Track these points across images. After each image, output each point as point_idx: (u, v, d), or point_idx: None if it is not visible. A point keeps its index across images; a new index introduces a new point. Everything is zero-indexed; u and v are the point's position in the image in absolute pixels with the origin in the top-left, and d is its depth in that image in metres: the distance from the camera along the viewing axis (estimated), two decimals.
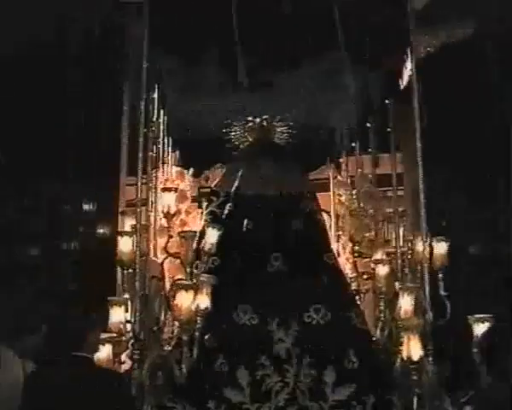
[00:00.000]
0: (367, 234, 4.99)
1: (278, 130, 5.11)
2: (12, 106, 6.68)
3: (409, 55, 4.55)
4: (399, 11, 4.46)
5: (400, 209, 4.92)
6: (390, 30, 4.51)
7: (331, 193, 5.43)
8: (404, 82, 4.85)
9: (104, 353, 4.12)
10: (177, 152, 5.37)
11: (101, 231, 7.87)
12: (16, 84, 6.55)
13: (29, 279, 7.43)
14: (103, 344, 4.03)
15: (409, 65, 4.63)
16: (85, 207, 8.14)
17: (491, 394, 3.99)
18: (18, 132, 7.01)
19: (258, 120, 5.05)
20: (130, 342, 3.94)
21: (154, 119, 4.83)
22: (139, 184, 4.17)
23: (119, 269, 4.31)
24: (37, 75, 6.52)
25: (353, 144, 5.41)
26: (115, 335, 4.20)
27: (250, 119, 5.05)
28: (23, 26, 5.87)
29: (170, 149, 5.29)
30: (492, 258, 7.92)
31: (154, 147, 4.76)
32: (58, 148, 7.20)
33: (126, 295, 4.12)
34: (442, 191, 7.21)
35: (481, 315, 4.00)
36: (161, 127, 5.06)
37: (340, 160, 5.56)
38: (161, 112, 5.03)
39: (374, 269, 4.64)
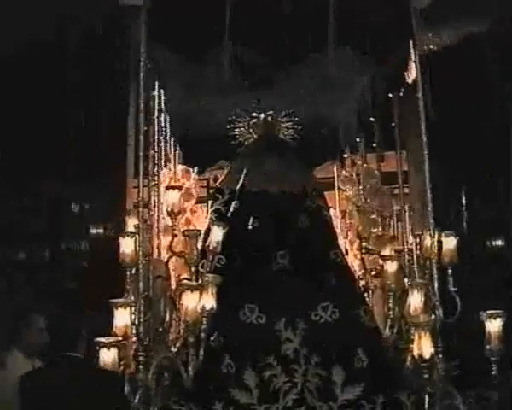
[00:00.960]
0: (374, 230, 4.93)
1: (283, 125, 5.09)
2: (12, 106, 6.64)
3: (412, 54, 4.51)
4: (403, 9, 4.43)
5: (407, 206, 4.87)
6: (393, 28, 4.48)
7: (336, 190, 5.38)
8: (408, 80, 4.81)
9: (109, 357, 4.01)
10: (180, 151, 5.30)
11: (103, 231, 7.83)
12: (16, 84, 6.51)
13: (29, 279, 7.40)
14: (108, 348, 3.92)
15: (412, 63, 4.60)
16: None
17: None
18: (18, 132, 6.96)
19: (262, 115, 5.02)
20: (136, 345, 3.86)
21: (156, 117, 4.76)
22: (141, 184, 4.11)
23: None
24: (37, 75, 6.48)
25: (358, 140, 5.37)
26: (121, 338, 4.10)
27: (254, 114, 5.03)
28: (23, 26, 5.85)
29: (174, 147, 5.24)
30: (493, 258, 7.92)
31: (159, 145, 4.70)
32: (58, 148, 7.16)
33: (132, 297, 4.04)
34: (443, 190, 7.20)
35: (494, 311, 3.93)
36: (164, 126, 5.00)
37: (345, 156, 5.51)
38: (165, 110, 4.97)
39: (382, 266, 4.60)
